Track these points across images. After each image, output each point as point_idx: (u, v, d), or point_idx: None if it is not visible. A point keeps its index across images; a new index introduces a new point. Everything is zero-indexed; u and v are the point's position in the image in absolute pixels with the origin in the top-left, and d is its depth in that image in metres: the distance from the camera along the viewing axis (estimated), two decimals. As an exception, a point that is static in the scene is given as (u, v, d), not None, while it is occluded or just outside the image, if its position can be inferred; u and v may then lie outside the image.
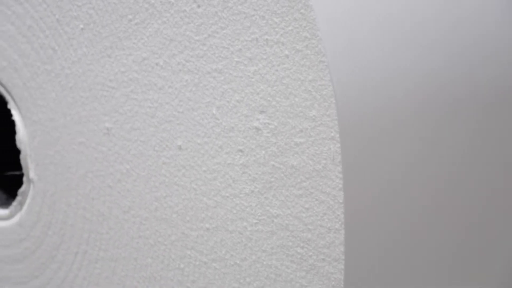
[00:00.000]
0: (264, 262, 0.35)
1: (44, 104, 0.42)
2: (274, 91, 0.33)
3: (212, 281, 0.37)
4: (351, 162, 0.32)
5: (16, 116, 0.44)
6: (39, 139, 0.43)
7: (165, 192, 0.38)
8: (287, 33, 0.32)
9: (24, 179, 0.44)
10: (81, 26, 0.39)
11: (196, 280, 0.38)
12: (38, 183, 0.43)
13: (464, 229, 0.43)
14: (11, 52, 0.43)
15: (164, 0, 0.36)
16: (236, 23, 0.33)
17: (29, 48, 0.42)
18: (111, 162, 0.40)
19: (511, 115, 0.44)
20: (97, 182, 0.41)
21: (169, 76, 0.37)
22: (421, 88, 0.38)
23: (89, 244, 0.42)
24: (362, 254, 0.34)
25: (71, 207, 0.42)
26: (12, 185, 0.46)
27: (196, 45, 0.35)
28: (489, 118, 0.43)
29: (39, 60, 0.42)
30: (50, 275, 0.44)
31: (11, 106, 0.44)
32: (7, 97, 0.44)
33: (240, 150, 0.35)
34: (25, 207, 0.45)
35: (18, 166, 0.45)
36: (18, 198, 0.45)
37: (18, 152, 0.44)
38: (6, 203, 0.47)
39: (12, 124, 0.44)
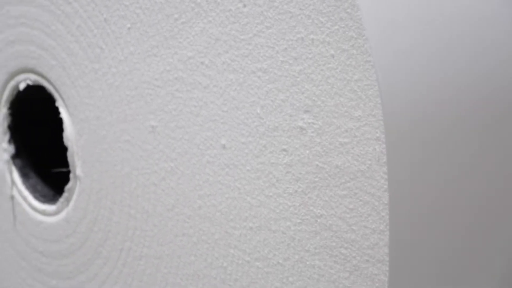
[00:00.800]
0: (307, 262, 0.35)
1: (91, 102, 0.43)
2: (319, 90, 0.33)
3: (254, 280, 0.37)
4: (397, 163, 0.32)
5: (64, 114, 0.44)
6: (86, 137, 0.44)
7: (208, 191, 0.38)
8: (333, 33, 0.32)
9: (71, 176, 0.45)
10: (128, 25, 0.40)
11: (238, 278, 0.38)
12: (85, 180, 0.44)
13: None
14: (60, 51, 0.44)
15: (210, -1, 0.36)
16: (282, 22, 0.33)
17: (77, 47, 0.43)
18: (155, 160, 0.40)
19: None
20: (142, 179, 0.41)
21: (214, 75, 0.37)
22: (469, 89, 0.37)
23: (134, 241, 0.42)
24: (407, 256, 0.34)
25: (116, 204, 0.43)
26: (59, 182, 0.47)
27: (242, 44, 0.35)
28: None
29: (87, 59, 0.42)
30: (95, 271, 0.45)
31: (59, 104, 0.45)
32: (56, 95, 0.45)
33: (284, 150, 0.35)
34: (71, 203, 0.45)
35: (65, 163, 0.45)
36: (65, 194, 0.46)
37: (65, 149, 0.45)
38: (53, 199, 0.48)
39: (60, 122, 0.45)
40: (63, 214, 0.46)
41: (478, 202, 0.39)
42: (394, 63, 0.33)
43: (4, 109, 0.49)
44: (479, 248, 0.40)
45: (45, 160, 0.50)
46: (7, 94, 0.48)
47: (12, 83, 0.48)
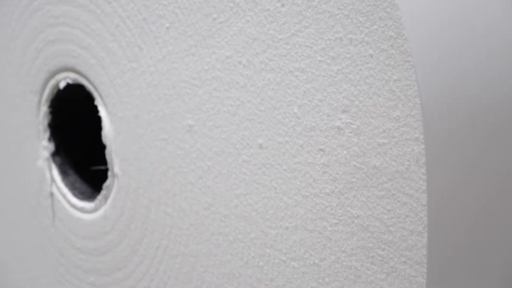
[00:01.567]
0: (344, 263, 0.35)
1: (129, 101, 0.43)
2: (357, 90, 0.33)
3: (290, 280, 0.37)
4: (435, 164, 0.32)
5: (102, 112, 0.45)
6: (124, 135, 0.44)
7: (245, 190, 0.38)
8: (372, 32, 0.32)
9: (109, 173, 0.45)
10: (167, 25, 0.40)
11: (274, 278, 0.38)
12: (122, 178, 0.45)
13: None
14: (99, 50, 0.44)
15: (248, -1, 0.36)
16: (320, 22, 0.33)
17: (116, 46, 0.43)
18: (192, 159, 0.41)
19: None
20: (179, 178, 0.41)
21: (252, 75, 0.37)
22: (510, 90, 0.37)
23: (170, 239, 0.42)
24: (445, 258, 0.33)
25: (153, 202, 0.43)
26: (98, 179, 0.47)
27: (279, 44, 0.35)
28: None
29: (125, 58, 0.43)
30: (132, 268, 0.45)
31: (98, 102, 0.45)
32: (95, 94, 0.45)
33: (321, 150, 0.35)
34: (109, 201, 0.46)
35: (104, 161, 0.46)
36: (103, 192, 0.46)
37: (103, 147, 0.45)
38: (91, 197, 0.48)
39: (98, 120, 0.45)
40: (101, 212, 0.47)
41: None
42: (434, 63, 0.32)
43: (44, 107, 0.49)
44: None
45: (84, 158, 0.51)
46: (47, 93, 0.49)
47: (52, 82, 0.48)
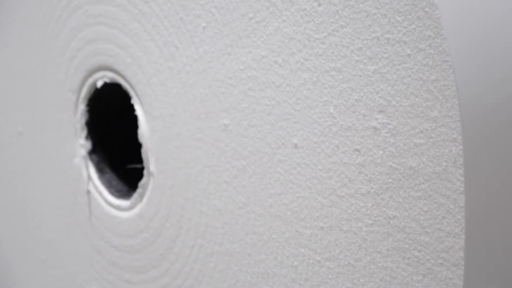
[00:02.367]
0: (379, 264, 0.34)
1: (165, 100, 0.43)
2: (394, 90, 0.32)
3: (325, 280, 0.37)
4: (473, 165, 0.31)
5: (139, 111, 0.45)
6: (160, 134, 0.44)
7: (279, 190, 0.38)
8: (410, 32, 0.31)
9: (145, 172, 0.46)
10: (203, 24, 0.40)
11: (309, 278, 0.38)
12: (158, 176, 0.45)
13: None
14: (136, 49, 0.45)
15: (285, -2, 0.36)
16: (357, 21, 0.33)
17: (153, 46, 0.43)
18: (227, 158, 0.41)
19: None
20: (214, 177, 0.42)
21: (287, 74, 0.37)
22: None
23: (205, 238, 0.43)
24: (483, 260, 0.33)
25: (189, 201, 0.43)
26: (133, 178, 0.48)
27: (316, 43, 0.35)
28: None
29: (162, 57, 0.43)
30: (167, 266, 0.46)
31: (134, 101, 0.46)
32: (131, 93, 0.46)
33: (357, 150, 0.35)
34: (145, 199, 0.46)
35: (139, 160, 0.46)
36: (139, 190, 0.46)
37: (139, 146, 0.46)
38: (127, 195, 0.49)
39: (135, 119, 0.46)
40: (136, 210, 0.47)
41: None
42: (472, 63, 0.32)
43: (82, 106, 0.50)
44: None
45: (120, 157, 0.51)
46: (85, 91, 0.50)
47: (90, 81, 0.49)
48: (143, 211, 0.46)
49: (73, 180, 0.52)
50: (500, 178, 0.34)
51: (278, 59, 0.37)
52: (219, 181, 0.41)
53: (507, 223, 0.35)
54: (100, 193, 0.50)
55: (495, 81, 0.33)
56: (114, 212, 0.49)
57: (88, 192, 0.51)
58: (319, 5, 0.34)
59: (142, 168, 0.46)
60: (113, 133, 0.52)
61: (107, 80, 0.47)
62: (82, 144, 0.50)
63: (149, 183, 0.46)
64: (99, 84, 0.48)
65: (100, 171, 0.51)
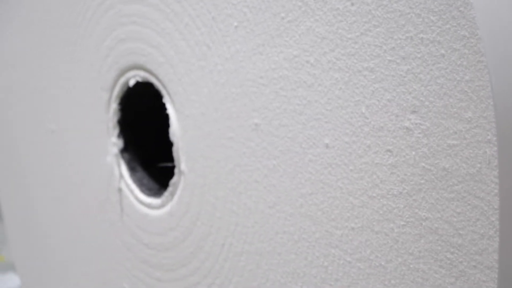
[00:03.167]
0: (411, 266, 0.34)
1: (196, 99, 0.44)
2: (428, 91, 0.32)
3: (355, 281, 0.37)
4: (508, 167, 0.31)
5: (170, 110, 0.46)
6: (191, 133, 0.44)
7: (310, 189, 0.38)
8: (444, 32, 0.31)
9: (176, 170, 0.46)
10: (235, 23, 0.40)
11: (339, 279, 0.38)
12: (189, 175, 0.45)
13: None
14: (168, 48, 0.45)
15: (317, -2, 0.36)
16: (390, 21, 0.33)
17: (185, 45, 0.44)
18: (258, 157, 0.41)
19: None
20: (245, 176, 0.42)
21: (319, 74, 0.37)
22: None
23: (235, 237, 0.43)
24: (517, 264, 0.33)
25: (219, 200, 0.43)
26: (165, 176, 0.48)
27: (348, 43, 0.35)
28: None
29: (194, 57, 0.43)
30: (197, 265, 0.46)
31: (166, 100, 0.46)
32: (163, 92, 0.46)
33: (389, 150, 0.34)
34: (175, 197, 0.46)
35: (171, 158, 0.47)
36: (170, 188, 0.47)
37: (171, 144, 0.46)
38: (158, 193, 0.49)
39: (166, 118, 0.46)
40: (167, 208, 0.47)
41: None
42: (507, 64, 0.32)
43: (114, 105, 0.50)
44: None
45: (152, 155, 0.52)
46: (117, 90, 0.50)
47: (122, 80, 0.49)
48: (173, 209, 0.47)
49: (105, 178, 0.52)
50: (535, 180, 0.34)
51: (310, 59, 0.37)
52: (249, 180, 0.41)
53: (542, 226, 0.35)
54: (132, 191, 0.50)
55: (531, 81, 0.33)
56: (145, 210, 0.49)
57: (120, 190, 0.51)
58: (352, 4, 0.34)
59: (173, 167, 0.46)
60: (145, 131, 0.52)
61: (139, 79, 0.48)
62: (114, 143, 0.51)
63: (180, 182, 0.46)
64: (132, 83, 0.48)
65: (131, 169, 0.51)
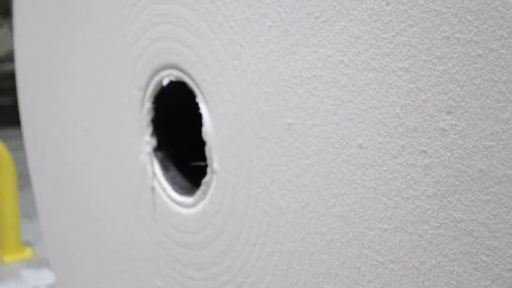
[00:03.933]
0: (445, 268, 0.34)
1: (230, 98, 0.44)
2: (464, 91, 0.32)
3: (388, 282, 0.37)
4: (546, 169, 0.31)
5: (203, 109, 0.46)
6: (224, 132, 0.45)
7: (343, 190, 0.38)
8: (481, 32, 0.31)
9: (208, 169, 0.46)
10: (269, 23, 0.40)
11: (372, 280, 0.37)
12: (221, 174, 0.45)
13: None
14: (202, 48, 0.45)
15: (352, -3, 0.36)
16: (426, 21, 0.33)
17: (219, 45, 0.44)
18: (291, 157, 0.41)
19: None
20: (277, 176, 0.42)
21: (353, 74, 0.36)
22: None
23: (267, 237, 0.43)
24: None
25: (251, 199, 0.43)
26: (197, 175, 0.48)
27: (383, 43, 0.35)
28: None
29: (227, 56, 0.43)
30: (229, 263, 0.46)
31: (199, 100, 0.46)
32: (196, 91, 0.46)
33: (424, 151, 0.34)
34: (208, 196, 0.47)
35: (203, 157, 0.47)
36: (202, 187, 0.47)
37: (203, 143, 0.46)
38: (191, 192, 0.49)
39: (199, 117, 0.46)
40: (199, 207, 0.47)
41: None
42: (546, 64, 0.31)
43: (148, 104, 0.51)
44: None
45: (185, 154, 0.52)
46: (151, 89, 0.50)
47: (156, 79, 0.50)
48: (206, 208, 0.47)
49: (138, 176, 0.52)
50: None
51: (344, 59, 0.37)
52: (282, 180, 0.41)
53: None
54: (164, 190, 0.51)
55: None
56: (178, 208, 0.49)
57: (153, 188, 0.51)
58: (387, 4, 0.34)
59: (206, 166, 0.46)
60: (178, 130, 0.53)
61: (173, 78, 0.48)
62: (147, 141, 0.51)
63: (212, 181, 0.46)
64: (165, 82, 0.49)
65: (164, 168, 0.51)
